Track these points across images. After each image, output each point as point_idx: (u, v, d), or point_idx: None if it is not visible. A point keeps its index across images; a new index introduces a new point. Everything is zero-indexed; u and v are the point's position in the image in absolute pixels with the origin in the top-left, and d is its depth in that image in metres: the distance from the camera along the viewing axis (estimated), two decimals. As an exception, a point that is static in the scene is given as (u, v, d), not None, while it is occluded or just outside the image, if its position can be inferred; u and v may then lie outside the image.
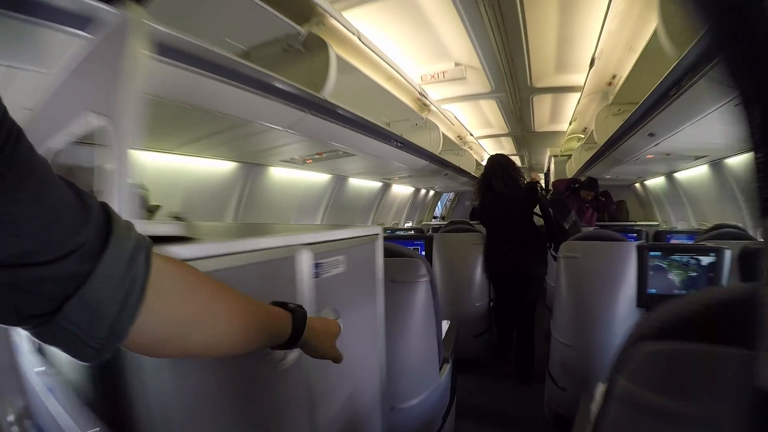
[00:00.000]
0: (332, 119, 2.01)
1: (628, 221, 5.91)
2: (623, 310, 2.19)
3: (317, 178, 3.89)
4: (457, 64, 2.96)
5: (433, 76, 3.05)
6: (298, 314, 0.68)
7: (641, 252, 2.20)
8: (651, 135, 2.44)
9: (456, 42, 2.67)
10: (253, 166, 3.02)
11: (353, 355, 1.19)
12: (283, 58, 2.03)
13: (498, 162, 2.99)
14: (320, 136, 2.22)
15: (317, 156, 2.79)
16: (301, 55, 1.95)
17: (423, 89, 3.06)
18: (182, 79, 1.44)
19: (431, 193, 8.45)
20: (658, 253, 2.19)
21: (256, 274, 0.78)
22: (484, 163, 7.41)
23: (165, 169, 2.48)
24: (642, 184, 5.73)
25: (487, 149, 7.01)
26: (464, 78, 3.03)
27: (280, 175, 3.35)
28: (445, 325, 2.35)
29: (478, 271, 3.38)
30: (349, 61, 2.30)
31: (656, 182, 5.14)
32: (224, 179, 2.89)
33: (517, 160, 8.00)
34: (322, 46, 1.85)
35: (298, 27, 1.90)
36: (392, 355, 1.59)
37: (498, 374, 3.25)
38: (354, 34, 2.04)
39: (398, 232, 4.94)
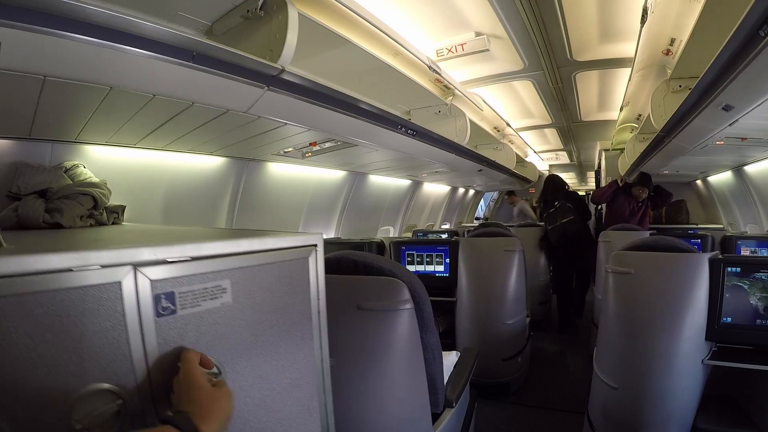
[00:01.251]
0: (300, 95, 1.61)
1: (688, 224, 5.19)
2: (688, 345, 1.65)
3: (329, 174, 3.52)
4: (478, 34, 2.47)
5: (450, 50, 2.57)
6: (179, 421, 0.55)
7: (716, 267, 1.65)
8: (726, 108, 1.84)
9: (474, 6, 2.20)
10: (246, 162, 2.70)
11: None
12: (245, 28, 1.67)
13: (548, 181, 4.46)
14: (295, 119, 1.83)
15: (312, 148, 2.41)
16: (260, 21, 1.57)
17: (439, 67, 2.59)
18: (86, 53, 1.10)
19: (471, 192, 7.89)
20: (737, 269, 1.64)
21: (49, 311, 0.53)
22: (527, 159, 6.94)
23: (141, 166, 2.19)
24: (704, 181, 5.01)
25: (530, 143, 6.38)
26: (488, 50, 2.53)
27: (281, 171, 3.00)
28: (454, 357, 1.88)
29: (512, 282, 2.89)
30: (337, 31, 1.89)
31: (721, 178, 4.44)
32: (213, 176, 2.58)
33: (564, 155, 7.34)
34: (281, 5, 1.46)
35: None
36: (353, 416, 1.18)
37: (530, 402, 2.76)
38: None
39: (429, 236, 4.60)
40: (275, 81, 1.49)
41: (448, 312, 3.02)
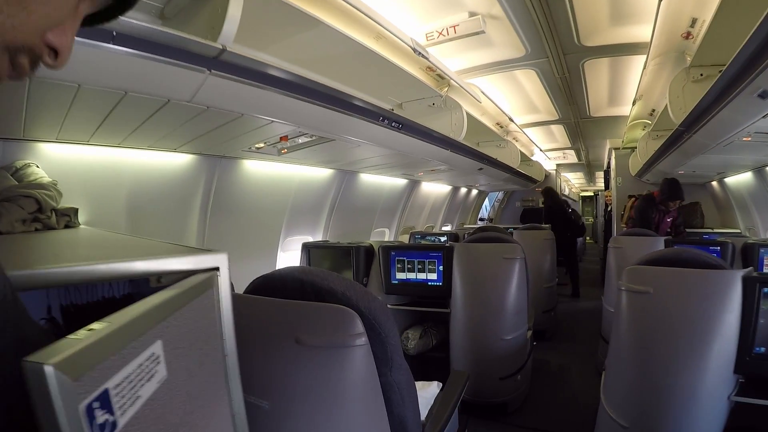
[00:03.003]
0: (249, 80, 1.35)
1: (703, 228, 4.86)
2: (713, 379, 1.37)
3: (314, 173, 3.27)
4: (471, 14, 2.19)
5: (441, 33, 2.29)
6: None
7: (750, 287, 1.36)
8: (763, 96, 1.54)
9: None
10: (218, 159, 2.45)
11: None
12: (192, 7, 1.44)
13: (549, 191, 6.04)
14: (250, 109, 1.57)
15: (284, 143, 2.15)
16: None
17: (427, 51, 2.31)
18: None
19: (474, 192, 7.59)
20: (772, 290, 1.35)
21: None
22: (533, 158, 6.66)
23: (100, 164, 2.00)
24: (720, 182, 4.66)
25: (536, 141, 6.08)
26: (483, 32, 2.24)
27: (259, 169, 2.76)
28: (435, 388, 1.61)
29: (512, 293, 2.61)
30: (308, 11, 1.64)
31: (740, 179, 4.11)
32: (181, 175, 2.35)
33: (572, 154, 7.05)
34: (224, -25, 1.21)
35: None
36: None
37: (529, 424, 2.52)
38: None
39: (428, 238, 4.40)
40: (216, 63, 1.25)
41: (443, 323, 2.75)
